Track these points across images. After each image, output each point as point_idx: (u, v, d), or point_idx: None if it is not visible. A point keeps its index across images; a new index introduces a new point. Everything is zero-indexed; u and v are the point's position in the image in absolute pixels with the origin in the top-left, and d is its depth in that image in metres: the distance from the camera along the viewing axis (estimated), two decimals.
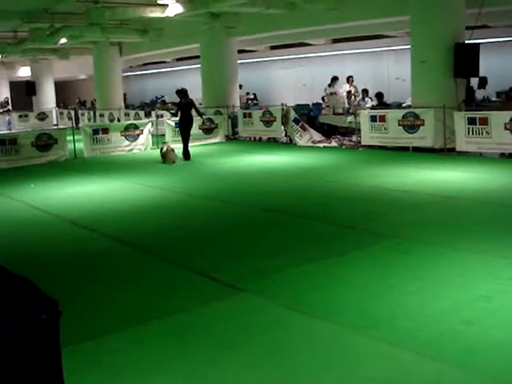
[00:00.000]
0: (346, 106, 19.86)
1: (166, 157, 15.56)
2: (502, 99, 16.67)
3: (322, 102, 21.37)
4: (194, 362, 4.35)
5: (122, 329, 4.97)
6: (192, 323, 5.05)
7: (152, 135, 19.27)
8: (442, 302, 5.23)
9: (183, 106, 16.13)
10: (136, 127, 18.85)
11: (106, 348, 4.64)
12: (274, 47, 27.49)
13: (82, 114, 30.59)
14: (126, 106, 32.21)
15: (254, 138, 21.02)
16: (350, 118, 18.08)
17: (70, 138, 17.57)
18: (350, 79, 20.26)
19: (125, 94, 35.41)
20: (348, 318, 4.98)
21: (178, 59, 32.31)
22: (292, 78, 28.88)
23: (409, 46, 16.38)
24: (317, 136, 18.80)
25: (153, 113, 24.08)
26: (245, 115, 20.84)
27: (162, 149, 15.92)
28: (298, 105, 21.49)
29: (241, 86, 25.51)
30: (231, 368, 4.25)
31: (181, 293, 5.83)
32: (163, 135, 19.69)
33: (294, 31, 21.54)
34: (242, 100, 26.32)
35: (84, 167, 15.82)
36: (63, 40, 24.31)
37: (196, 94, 26.66)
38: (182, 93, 16.20)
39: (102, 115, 28.68)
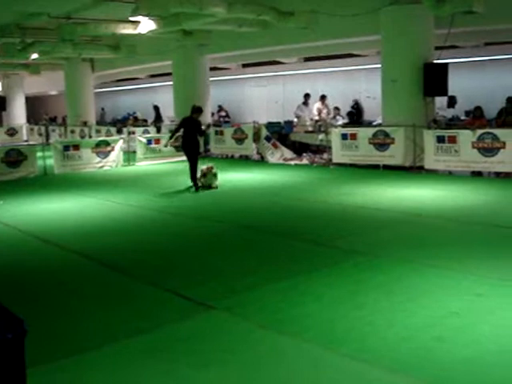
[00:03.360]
0: (314, 123, 20.03)
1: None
2: (468, 119, 16.93)
3: (294, 119, 21.47)
4: (165, 381, 4.30)
5: (91, 348, 4.89)
6: (163, 342, 4.99)
7: (123, 152, 19.17)
8: (413, 318, 5.25)
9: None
10: (107, 144, 18.74)
11: (75, 368, 4.56)
12: (246, 65, 27.59)
13: (53, 130, 30.34)
14: (104, 122, 32.21)
15: (226, 155, 21.02)
16: (321, 136, 18.20)
17: (40, 154, 17.42)
18: (323, 99, 20.41)
19: (103, 109, 35.30)
20: (319, 336, 4.97)
21: (152, 76, 32.28)
22: (264, 95, 29.00)
23: (379, 65, 16.58)
24: (288, 154, 18.88)
25: (124, 129, 23.98)
26: (216, 132, 20.84)
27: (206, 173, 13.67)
28: (270, 122, 21.57)
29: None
30: None
31: (151, 311, 5.77)
32: (134, 152, 19.63)
33: (267, 49, 21.67)
34: None
35: (54, 184, 15.65)
36: (34, 55, 24.16)
37: (169, 111, 26.74)
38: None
39: (73, 131, 28.46)
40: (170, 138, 14.51)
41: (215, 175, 13.62)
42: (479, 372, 4.23)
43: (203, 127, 14.64)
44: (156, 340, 5.03)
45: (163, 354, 4.72)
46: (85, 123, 29.00)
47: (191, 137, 13.64)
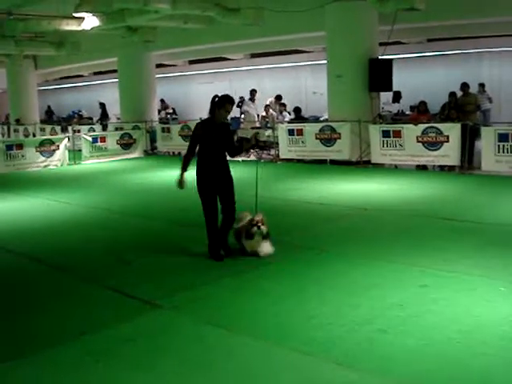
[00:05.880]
0: (261, 119, 20.12)
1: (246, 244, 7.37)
2: (413, 113, 17.19)
3: (241, 116, 21.45)
4: (112, 382, 4.24)
5: (31, 353, 4.76)
6: (109, 342, 4.90)
7: (68, 151, 18.86)
8: (358, 311, 5.30)
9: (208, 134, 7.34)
10: (52, 142, 18.40)
11: (15, 373, 4.44)
12: (192, 61, 27.47)
13: None
14: (51, 120, 31.64)
15: (173, 152, 20.87)
16: (268, 132, 18.22)
17: None
18: (278, 99, 20.51)
19: (49, 106, 34.63)
20: (266, 331, 4.97)
21: (96, 73, 31.83)
22: (211, 92, 28.65)
23: (325, 61, 16.69)
24: None
25: (69, 128, 23.61)
26: (163, 130, 20.71)
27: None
28: None
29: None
30: None
31: (97, 311, 5.68)
32: (80, 151, 19.34)
33: (213, 46, 21.58)
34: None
35: None
36: None
37: (114, 109, 26.39)
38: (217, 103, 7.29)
39: (16, 130, 27.83)
40: (183, 168, 7.66)
41: (266, 232, 7.33)
42: (422, 362, 4.29)
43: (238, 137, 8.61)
44: (100, 341, 4.94)
45: (107, 357, 4.63)
46: (17, 121, 28.38)
47: (217, 158, 7.64)
